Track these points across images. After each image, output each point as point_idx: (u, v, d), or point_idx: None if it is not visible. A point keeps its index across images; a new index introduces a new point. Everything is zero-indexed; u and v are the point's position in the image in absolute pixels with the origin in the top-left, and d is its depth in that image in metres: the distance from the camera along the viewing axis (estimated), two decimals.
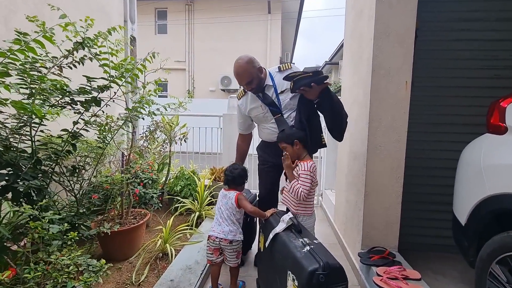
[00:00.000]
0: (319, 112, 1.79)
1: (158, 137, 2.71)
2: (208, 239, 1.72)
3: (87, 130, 1.71)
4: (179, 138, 2.88)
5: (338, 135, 1.79)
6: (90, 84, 1.57)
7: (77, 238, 1.37)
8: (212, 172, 3.30)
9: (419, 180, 2.09)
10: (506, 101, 1.54)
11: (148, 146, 2.34)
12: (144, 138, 2.35)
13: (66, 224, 1.31)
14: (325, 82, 1.59)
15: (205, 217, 2.82)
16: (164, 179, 3.28)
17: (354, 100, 2.21)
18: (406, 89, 1.82)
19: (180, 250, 2.18)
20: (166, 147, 3.03)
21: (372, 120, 1.85)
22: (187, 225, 2.46)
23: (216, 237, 1.67)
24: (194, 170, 3.32)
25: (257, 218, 2.12)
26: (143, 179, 2.61)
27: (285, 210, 1.76)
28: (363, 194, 1.93)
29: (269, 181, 2.01)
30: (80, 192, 1.85)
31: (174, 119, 3.09)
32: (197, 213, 2.76)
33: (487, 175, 1.44)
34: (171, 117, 3.13)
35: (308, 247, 1.25)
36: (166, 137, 2.89)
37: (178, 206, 2.86)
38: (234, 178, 1.77)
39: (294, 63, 1.89)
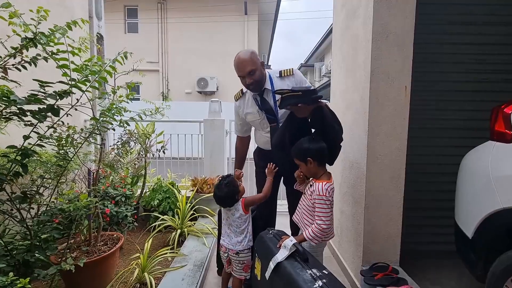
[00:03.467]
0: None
1: (132, 148, 2.39)
2: (220, 248, 1.74)
3: (42, 146, 1.39)
4: (157, 150, 2.57)
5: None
6: (44, 89, 1.27)
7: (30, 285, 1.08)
8: (194, 183, 3.02)
9: (412, 186, 1.98)
10: (510, 107, 1.48)
11: (121, 159, 2.03)
12: (116, 150, 2.03)
13: (11, 274, 1.00)
14: (318, 100, 1.47)
15: (188, 234, 2.55)
16: (139, 192, 2.95)
17: (348, 105, 2.08)
18: (405, 95, 1.71)
19: (161, 278, 1.91)
20: (141, 159, 2.71)
21: (371, 127, 1.72)
22: (167, 249, 2.18)
23: (226, 248, 1.66)
24: (173, 182, 3.03)
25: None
26: (114, 196, 2.28)
27: (290, 230, 1.60)
28: (363, 206, 1.80)
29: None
30: (34, 221, 1.52)
31: (149, 127, 2.79)
32: (179, 231, 2.49)
33: (498, 187, 1.35)
34: (146, 125, 2.82)
35: (319, 282, 1.06)
36: (141, 147, 2.58)
37: (156, 225, 2.56)
38: (224, 201, 1.61)
39: (294, 69, 1.74)
